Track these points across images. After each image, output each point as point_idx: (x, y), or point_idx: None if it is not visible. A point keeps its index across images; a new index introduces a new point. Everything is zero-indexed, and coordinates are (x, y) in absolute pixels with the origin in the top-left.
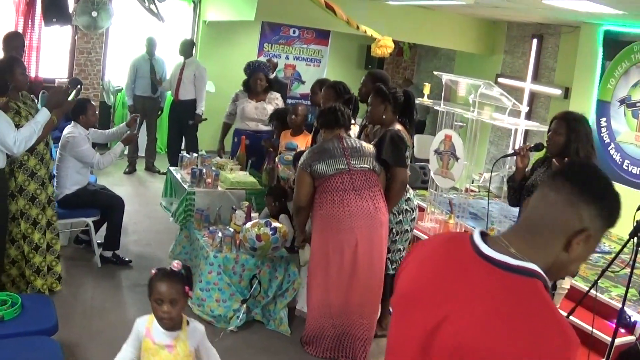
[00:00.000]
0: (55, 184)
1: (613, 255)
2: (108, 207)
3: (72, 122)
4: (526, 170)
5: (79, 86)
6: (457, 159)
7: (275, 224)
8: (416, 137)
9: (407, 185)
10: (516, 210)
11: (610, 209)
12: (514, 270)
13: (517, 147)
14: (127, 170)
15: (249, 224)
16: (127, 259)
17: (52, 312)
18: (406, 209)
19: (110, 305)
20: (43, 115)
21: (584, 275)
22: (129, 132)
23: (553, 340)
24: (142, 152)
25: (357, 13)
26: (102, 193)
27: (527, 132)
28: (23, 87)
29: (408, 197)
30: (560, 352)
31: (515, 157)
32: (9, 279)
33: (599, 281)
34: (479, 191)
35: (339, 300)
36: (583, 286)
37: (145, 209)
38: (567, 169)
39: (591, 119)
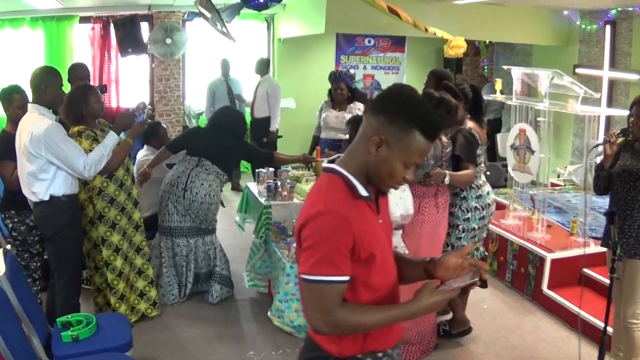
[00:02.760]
0: None
1: None
2: None
3: (145, 145)
4: None
5: (148, 107)
6: (532, 152)
7: None
8: (498, 135)
9: (482, 182)
10: (600, 201)
11: (402, 116)
12: (326, 171)
13: (599, 136)
14: None
15: None
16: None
17: (126, 329)
18: (475, 207)
19: (192, 321)
20: (111, 139)
21: None
22: None
23: (318, 205)
24: None
25: (426, 15)
26: None
27: (609, 120)
28: (99, 115)
29: (479, 194)
30: (320, 212)
31: (603, 145)
32: (97, 307)
33: None
34: (564, 185)
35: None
36: None
37: (231, 227)
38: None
39: None
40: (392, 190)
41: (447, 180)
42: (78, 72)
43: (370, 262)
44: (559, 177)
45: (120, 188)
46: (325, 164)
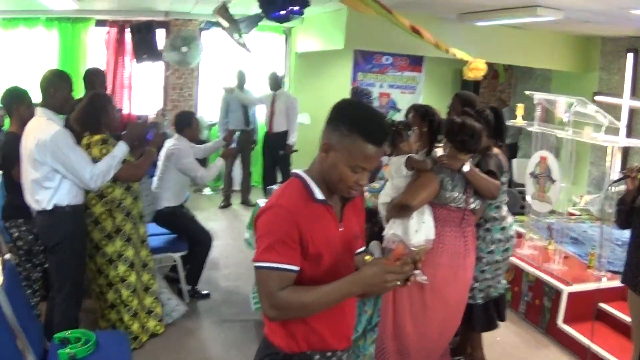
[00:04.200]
0: (152, 199)
1: None
2: (195, 241)
3: (177, 134)
4: None
5: (164, 113)
6: (553, 181)
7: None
8: (514, 161)
9: (505, 214)
10: (620, 233)
11: (344, 122)
12: (292, 175)
13: (618, 166)
14: (222, 204)
15: None
16: (204, 292)
17: (125, 348)
18: (499, 239)
19: (195, 341)
20: (120, 149)
21: None
22: (226, 146)
23: (272, 200)
24: (237, 186)
25: (447, 36)
26: (195, 221)
27: (627, 150)
28: (114, 127)
29: (503, 227)
30: (271, 206)
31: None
32: (109, 323)
33: None
34: (580, 214)
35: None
36: None
37: (237, 242)
38: None
39: None
40: (413, 216)
41: (466, 167)
42: (96, 77)
43: (317, 261)
44: (574, 205)
45: (135, 200)
46: (292, 170)
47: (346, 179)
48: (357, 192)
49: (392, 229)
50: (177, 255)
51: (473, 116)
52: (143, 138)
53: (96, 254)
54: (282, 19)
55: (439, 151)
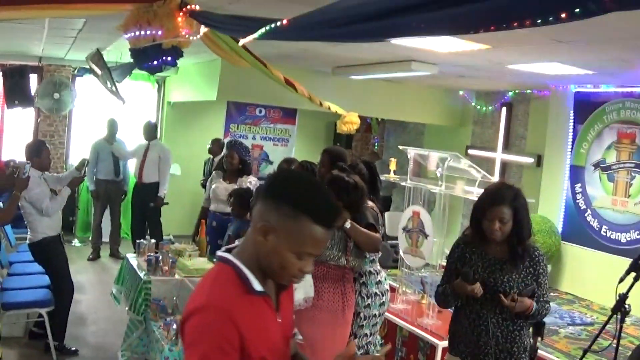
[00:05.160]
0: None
1: (596, 327)
2: (59, 288)
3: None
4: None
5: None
6: (426, 236)
7: None
8: (387, 214)
9: (379, 268)
10: None
11: (288, 200)
12: (219, 260)
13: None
14: (90, 257)
15: None
16: (73, 348)
17: None
18: (375, 293)
19: None
20: None
21: (566, 351)
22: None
23: (201, 299)
24: (106, 238)
25: (320, 89)
26: (67, 265)
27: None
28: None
29: (379, 280)
30: (200, 307)
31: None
32: None
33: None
34: None
35: None
36: None
37: (106, 297)
38: None
39: (566, 185)
40: None
41: (347, 224)
42: None
43: None
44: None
45: None
46: (219, 252)
47: (289, 267)
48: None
49: None
50: (44, 311)
51: (347, 171)
52: (8, 189)
53: None
54: (154, 70)
55: None
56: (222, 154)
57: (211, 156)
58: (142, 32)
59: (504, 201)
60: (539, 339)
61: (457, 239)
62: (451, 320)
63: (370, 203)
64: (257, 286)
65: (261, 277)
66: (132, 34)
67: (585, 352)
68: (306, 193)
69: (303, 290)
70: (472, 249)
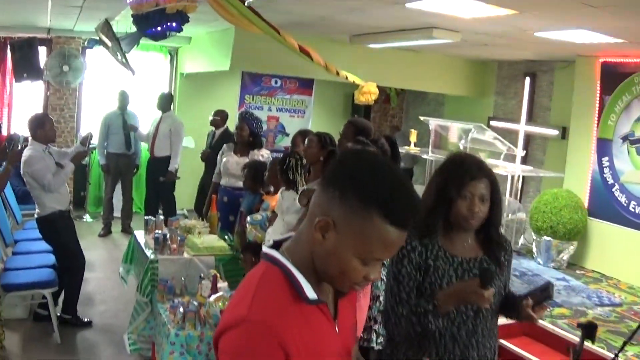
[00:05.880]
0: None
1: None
2: (69, 262)
3: (31, 139)
4: None
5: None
6: None
7: None
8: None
9: None
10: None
11: (357, 191)
12: (264, 258)
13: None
14: (101, 232)
15: (212, 297)
16: (86, 319)
17: None
18: None
19: None
20: None
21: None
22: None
23: (241, 308)
24: (117, 213)
25: (338, 58)
26: (76, 238)
27: (523, 178)
28: None
29: None
30: (240, 319)
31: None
32: None
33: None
34: None
35: None
36: (598, 349)
37: (116, 275)
38: None
39: (592, 159)
40: None
41: None
42: None
43: None
44: None
45: None
46: (265, 248)
47: (351, 273)
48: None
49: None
50: (47, 292)
51: (368, 145)
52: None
53: None
54: (158, 36)
55: None
56: (225, 126)
57: (213, 128)
58: None
59: (484, 173)
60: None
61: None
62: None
63: None
64: (311, 293)
65: (315, 280)
66: None
67: (625, 343)
68: (380, 183)
69: None
70: (431, 249)
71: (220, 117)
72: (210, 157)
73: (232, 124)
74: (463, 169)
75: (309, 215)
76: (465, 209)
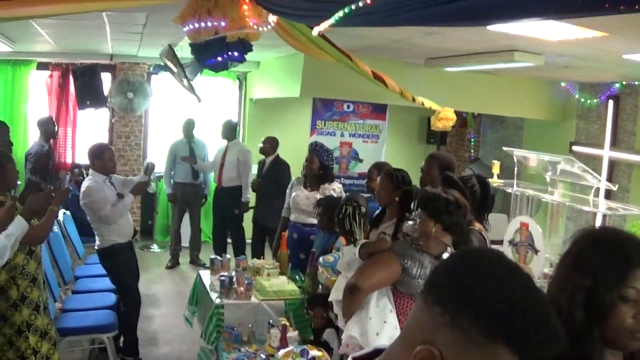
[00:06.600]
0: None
1: None
2: (124, 301)
3: (91, 170)
4: None
5: (68, 173)
6: (536, 252)
7: (313, 352)
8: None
9: None
10: None
11: (476, 318)
12: None
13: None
14: (169, 264)
15: (281, 353)
16: None
17: None
18: None
19: None
20: (17, 227)
21: None
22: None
23: None
24: (185, 243)
25: (412, 82)
26: (133, 273)
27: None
28: (13, 185)
29: None
30: None
31: None
32: None
33: None
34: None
35: None
36: None
37: (182, 312)
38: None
39: None
40: (371, 315)
41: (446, 254)
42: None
43: None
44: (551, 266)
45: (39, 265)
46: None
47: None
48: None
49: (349, 330)
50: (105, 337)
51: (457, 185)
52: (45, 211)
53: (4, 325)
54: (219, 67)
55: (410, 226)
56: (275, 153)
57: (264, 156)
58: (202, 24)
59: None
60: None
61: None
62: None
63: (477, 225)
64: None
65: None
66: (191, 26)
67: None
68: (511, 307)
69: (387, 335)
70: None
71: (270, 144)
72: (261, 186)
73: (302, 152)
74: (623, 254)
75: (405, 333)
76: (630, 317)
